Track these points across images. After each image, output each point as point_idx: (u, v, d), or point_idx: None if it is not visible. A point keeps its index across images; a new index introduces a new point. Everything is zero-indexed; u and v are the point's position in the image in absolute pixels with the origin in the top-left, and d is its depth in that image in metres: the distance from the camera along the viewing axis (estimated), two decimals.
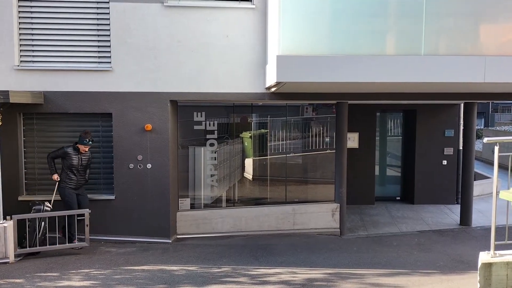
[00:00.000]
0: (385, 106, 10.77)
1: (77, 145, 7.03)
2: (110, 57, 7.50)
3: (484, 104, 33.93)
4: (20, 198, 7.57)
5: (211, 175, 8.32)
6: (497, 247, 4.60)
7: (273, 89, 7.45)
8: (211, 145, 8.23)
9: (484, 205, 10.74)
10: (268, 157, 8.59)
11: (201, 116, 8.14)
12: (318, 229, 8.38)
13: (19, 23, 7.42)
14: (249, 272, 6.12)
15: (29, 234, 6.69)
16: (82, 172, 7.14)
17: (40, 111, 7.52)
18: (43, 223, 6.78)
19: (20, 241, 6.69)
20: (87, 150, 7.11)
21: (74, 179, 7.05)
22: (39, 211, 6.80)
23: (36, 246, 6.71)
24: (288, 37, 6.18)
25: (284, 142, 8.63)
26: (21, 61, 7.48)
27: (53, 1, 7.43)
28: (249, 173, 8.69)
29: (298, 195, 8.66)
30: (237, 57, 7.60)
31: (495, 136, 21.49)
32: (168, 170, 7.64)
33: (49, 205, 6.94)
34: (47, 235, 6.82)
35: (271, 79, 6.68)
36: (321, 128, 8.78)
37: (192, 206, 8.20)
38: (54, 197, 7.09)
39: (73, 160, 6.99)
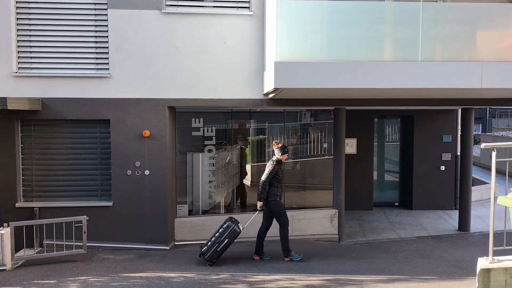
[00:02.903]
0: (383, 112, 10.80)
1: (280, 156, 6.98)
2: (108, 63, 7.51)
3: (481, 109, 34.12)
4: (17, 205, 7.53)
5: (209, 181, 8.31)
6: (496, 253, 4.60)
7: (271, 95, 7.46)
8: (209, 151, 8.22)
9: (482, 210, 10.75)
10: (266, 163, 8.56)
11: (199, 122, 8.14)
12: (316, 235, 8.36)
13: (17, 30, 7.43)
14: (247, 279, 6.10)
15: (210, 243, 6.76)
16: (282, 181, 7.19)
17: (38, 118, 7.51)
18: (226, 239, 6.77)
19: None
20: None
21: (280, 190, 7.06)
22: (229, 227, 6.83)
23: (215, 260, 6.74)
24: (285, 43, 6.21)
25: None
26: (19, 67, 7.49)
27: (52, 8, 7.45)
28: (247, 179, 8.68)
29: (297, 201, 8.65)
30: (235, 63, 7.62)
31: (492, 141, 21.54)
32: (166, 176, 7.63)
33: (240, 227, 6.91)
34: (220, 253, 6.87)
35: (269, 85, 6.70)
36: (319, 134, 8.79)
37: (190, 213, 8.17)
38: (251, 219, 7.11)
39: (279, 173, 7.00)
